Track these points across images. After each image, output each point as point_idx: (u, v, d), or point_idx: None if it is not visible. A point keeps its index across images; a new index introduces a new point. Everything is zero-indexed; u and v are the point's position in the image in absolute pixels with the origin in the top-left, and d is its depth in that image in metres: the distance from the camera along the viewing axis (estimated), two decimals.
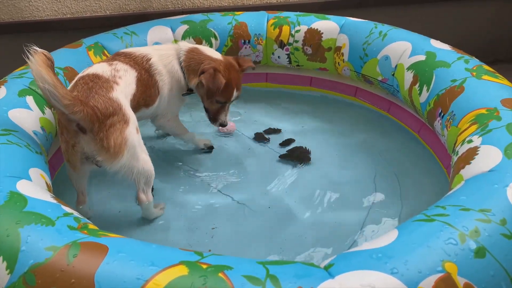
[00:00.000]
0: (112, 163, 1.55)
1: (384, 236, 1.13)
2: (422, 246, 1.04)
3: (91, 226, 1.21)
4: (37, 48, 1.37)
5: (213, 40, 2.56)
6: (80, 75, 1.71)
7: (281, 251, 1.65)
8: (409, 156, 2.14)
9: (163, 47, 2.04)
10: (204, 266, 1.02)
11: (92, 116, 1.47)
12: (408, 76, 2.06)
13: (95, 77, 1.63)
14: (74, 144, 1.54)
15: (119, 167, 1.58)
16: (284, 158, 2.15)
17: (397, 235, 1.10)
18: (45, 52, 1.41)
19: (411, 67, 2.05)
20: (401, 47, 2.15)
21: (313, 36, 2.49)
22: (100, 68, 1.71)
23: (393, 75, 2.18)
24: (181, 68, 1.96)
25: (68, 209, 1.27)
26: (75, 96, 1.48)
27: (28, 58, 1.35)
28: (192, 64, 1.94)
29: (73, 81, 1.67)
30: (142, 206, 1.74)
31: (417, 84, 1.99)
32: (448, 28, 3.19)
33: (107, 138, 1.51)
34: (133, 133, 1.59)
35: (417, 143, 2.21)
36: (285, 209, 1.84)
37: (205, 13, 2.64)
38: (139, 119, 1.78)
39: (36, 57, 1.35)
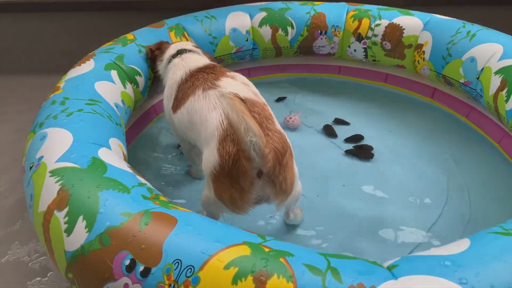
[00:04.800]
0: (283, 202, 1.41)
1: (453, 244, 1.08)
2: (496, 260, 0.98)
3: (162, 198, 1.27)
4: (230, 92, 1.19)
5: (289, 28, 2.55)
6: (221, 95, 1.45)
7: (337, 247, 1.63)
8: (486, 166, 2.01)
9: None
10: (266, 250, 1.03)
11: (275, 160, 1.29)
12: (495, 81, 1.92)
13: (253, 105, 1.41)
14: (249, 189, 1.33)
15: (285, 202, 1.44)
16: (349, 153, 2.11)
17: (469, 245, 1.05)
18: (239, 95, 1.23)
19: (500, 71, 1.91)
20: (491, 49, 2.00)
21: (394, 31, 2.40)
22: (241, 89, 1.48)
23: (477, 78, 2.04)
24: None
25: (142, 180, 1.34)
26: (269, 143, 1.30)
27: (227, 103, 1.16)
28: None
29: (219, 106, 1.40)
30: (290, 222, 1.73)
31: (505, 90, 1.85)
32: None
33: (285, 180, 1.35)
34: (295, 164, 1.45)
35: (497, 153, 2.07)
36: (345, 207, 1.81)
37: (285, 1, 2.63)
38: None
39: (238, 103, 1.15)
